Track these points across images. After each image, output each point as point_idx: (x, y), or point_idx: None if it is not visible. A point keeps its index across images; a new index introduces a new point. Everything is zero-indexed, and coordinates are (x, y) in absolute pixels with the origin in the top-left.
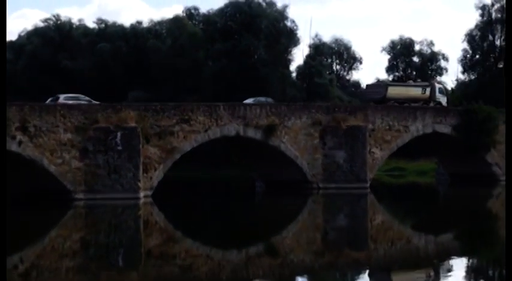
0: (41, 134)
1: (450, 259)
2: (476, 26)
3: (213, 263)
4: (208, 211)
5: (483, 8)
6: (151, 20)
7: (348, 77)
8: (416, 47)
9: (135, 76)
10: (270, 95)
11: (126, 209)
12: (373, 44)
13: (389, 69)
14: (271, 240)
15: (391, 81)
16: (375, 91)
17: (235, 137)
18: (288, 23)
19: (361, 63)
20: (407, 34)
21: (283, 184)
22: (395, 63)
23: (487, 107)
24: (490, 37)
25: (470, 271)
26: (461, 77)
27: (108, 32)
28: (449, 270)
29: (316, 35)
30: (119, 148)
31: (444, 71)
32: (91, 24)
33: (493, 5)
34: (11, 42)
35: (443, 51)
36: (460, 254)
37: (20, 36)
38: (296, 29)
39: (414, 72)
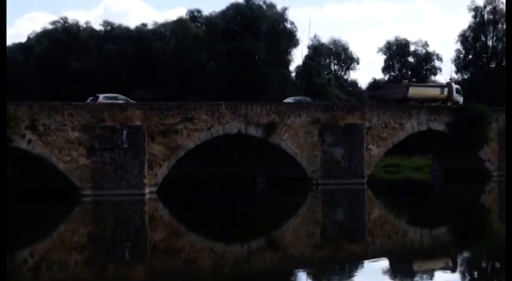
0: (50, 133)
1: (444, 251)
2: (469, 27)
3: (216, 256)
4: (211, 206)
5: (476, 9)
6: (156, 22)
7: (345, 77)
8: (412, 48)
9: (140, 76)
10: (269, 95)
11: (132, 205)
12: (370, 45)
13: (385, 69)
14: (272, 234)
15: (411, 82)
16: (397, 91)
17: (237, 135)
18: (288, 25)
19: (358, 63)
20: (402, 35)
21: (283, 181)
22: (391, 63)
23: (480, 105)
24: (483, 38)
25: (464, 262)
26: (455, 76)
27: (114, 34)
28: (444, 262)
29: (315, 37)
30: (125, 145)
31: (438, 71)
32: (98, 26)
33: (485, 6)
34: (21, 44)
35: (438, 51)
36: (453, 247)
37: (29, 38)
38: (295, 31)
39: (409, 72)
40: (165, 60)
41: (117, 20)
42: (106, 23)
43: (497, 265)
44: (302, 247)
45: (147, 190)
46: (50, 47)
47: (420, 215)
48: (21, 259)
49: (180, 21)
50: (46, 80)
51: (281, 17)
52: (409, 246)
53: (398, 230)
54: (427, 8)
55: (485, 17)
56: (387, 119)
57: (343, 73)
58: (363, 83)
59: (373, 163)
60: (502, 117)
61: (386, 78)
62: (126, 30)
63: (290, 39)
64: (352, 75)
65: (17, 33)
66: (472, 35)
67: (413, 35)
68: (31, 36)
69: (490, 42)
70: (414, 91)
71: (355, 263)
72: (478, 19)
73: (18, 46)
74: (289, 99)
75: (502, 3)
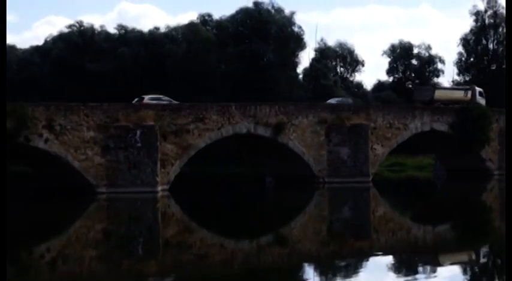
0: (66, 132)
1: (447, 247)
2: (471, 31)
3: (226, 252)
4: (222, 203)
5: (477, 14)
6: (168, 26)
7: (351, 79)
8: (415, 51)
9: (153, 78)
10: (278, 96)
11: (145, 202)
12: (375, 48)
13: (390, 71)
14: (280, 231)
15: (437, 85)
16: (424, 94)
17: (246, 135)
18: (295, 29)
19: (363, 65)
20: (406, 39)
21: (291, 179)
22: (395, 65)
23: (481, 106)
24: (484, 41)
25: (466, 258)
26: (457, 78)
27: (128, 38)
28: (447, 257)
29: (322, 40)
30: (138, 144)
31: (441, 73)
32: (112, 30)
33: (486, 11)
34: (38, 46)
35: (440, 54)
36: (456, 243)
37: (46, 42)
38: (303, 34)
39: (413, 74)
40: (177, 62)
41: (130, 24)
42: (120, 27)
43: (499, 260)
44: (309, 243)
45: (159, 188)
46: (66, 50)
47: (423, 213)
48: (39, 254)
49: (191, 25)
50: (62, 82)
51: (289, 21)
52: (413, 242)
53: (402, 227)
54: (430, 12)
55: (486, 21)
56: (391, 119)
57: (348, 75)
58: (368, 84)
59: (378, 162)
60: (502, 118)
61: (390, 80)
62: (140, 33)
63: (298, 42)
64: (358, 77)
65: (35, 36)
66: (473, 38)
67: (416, 39)
68: (48, 39)
69: (490, 46)
70: (440, 94)
71: (360, 258)
72: (479, 23)
73: (36, 49)
74: (332, 101)
75: (503, 7)
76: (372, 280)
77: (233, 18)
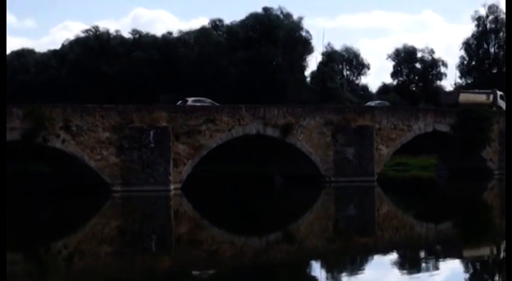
0: (82, 133)
1: (449, 244)
2: (472, 35)
3: (236, 248)
4: (232, 202)
5: (478, 19)
6: (181, 31)
7: (356, 82)
8: (419, 55)
9: (166, 81)
10: (286, 98)
11: (158, 200)
12: (379, 52)
13: (394, 74)
14: (288, 228)
15: (463, 88)
16: (450, 97)
17: (255, 136)
18: (303, 33)
19: (368, 69)
20: (410, 43)
21: (299, 178)
22: (399, 69)
23: (482, 108)
24: (485, 45)
25: (468, 254)
26: (459, 81)
27: (142, 42)
28: (449, 254)
29: (329, 44)
30: (152, 145)
31: (444, 76)
32: (127, 34)
33: (487, 16)
34: (56, 51)
35: (443, 58)
36: (458, 240)
37: (63, 46)
38: (310, 39)
39: (416, 77)
40: (189, 65)
41: (144, 29)
42: (134, 32)
43: (500, 256)
44: (316, 240)
45: (172, 187)
46: (83, 54)
47: (426, 211)
48: (56, 250)
49: (203, 30)
50: (79, 84)
51: (297, 26)
52: (416, 239)
53: (406, 225)
54: (433, 17)
55: (488, 26)
56: (396, 121)
57: (354, 78)
58: (373, 87)
59: (383, 162)
60: (502, 119)
61: (395, 83)
62: (153, 38)
63: (305, 46)
64: (363, 80)
65: (52, 41)
66: (475, 42)
67: (420, 43)
68: (65, 43)
69: (492, 50)
70: (464, 97)
71: (365, 255)
72: (480, 28)
73: (53, 53)
74: (371, 103)
75: (503, 13)
76: (377, 276)
77: (243, 23)
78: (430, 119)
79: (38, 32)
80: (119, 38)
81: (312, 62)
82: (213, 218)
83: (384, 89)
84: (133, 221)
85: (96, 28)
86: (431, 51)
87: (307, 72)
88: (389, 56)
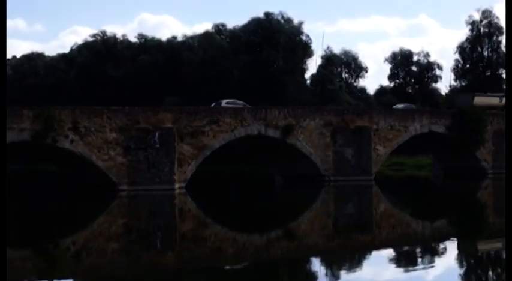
0: (90, 134)
1: (444, 241)
2: (467, 39)
3: (239, 245)
4: (234, 200)
5: (473, 23)
6: (185, 35)
7: (355, 84)
8: (415, 58)
9: (171, 83)
10: (287, 100)
11: (163, 199)
12: (377, 55)
13: (391, 77)
14: (288, 226)
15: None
16: (465, 100)
17: (257, 136)
18: (303, 37)
19: (366, 72)
20: (406, 47)
21: (299, 178)
22: (396, 72)
23: (476, 110)
24: (479, 49)
25: (463, 251)
26: (454, 83)
27: (148, 46)
28: (444, 250)
29: (328, 48)
30: (157, 145)
31: (439, 79)
32: (133, 39)
33: (481, 21)
34: (64, 54)
35: (438, 61)
36: (453, 237)
37: (71, 50)
38: (310, 43)
39: (413, 80)
40: (193, 69)
41: (150, 33)
42: (140, 36)
43: (494, 252)
44: (316, 237)
45: (176, 186)
46: (90, 57)
47: (422, 209)
48: (65, 246)
49: (206, 34)
50: (86, 87)
51: (297, 31)
52: (413, 236)
53: (402, 222)
54: (428, 22)
55: (481, 30)
56: (393, 122)
57: (353, 81)
58: (371, 89)
59: (380, 161)
60: (496, 120)
61: (392, 85)
62: (158, 42)
63: (305, 50)
64: (361, 82)
65: (61, 45)
66: (469, 46)
67: (416, 47)
68: (73, 47)
69: (485, 53)
70: (478, 100)
71: (363, 251)
72: (474, 32)
73: (62, 56)
74: (398, 106)
75: (497, 17)
76: (374, 271)
77: (245, 27)
78: (426, 120)
79: (47, 36)
80: (125, 42)
81: (312, 65)
82: (216, 216)
83: (382, 91)
84: (139, 219)
85: (104, 33)
86: (427, 55)
87: (307, 75)
88: (386, 60)
